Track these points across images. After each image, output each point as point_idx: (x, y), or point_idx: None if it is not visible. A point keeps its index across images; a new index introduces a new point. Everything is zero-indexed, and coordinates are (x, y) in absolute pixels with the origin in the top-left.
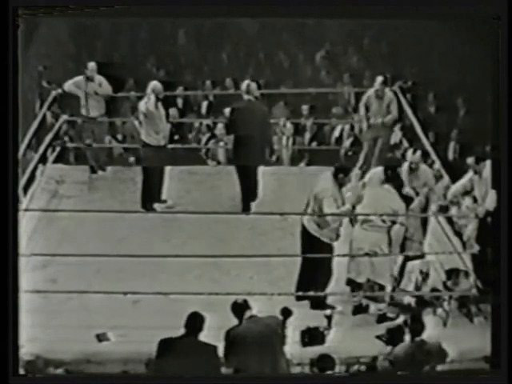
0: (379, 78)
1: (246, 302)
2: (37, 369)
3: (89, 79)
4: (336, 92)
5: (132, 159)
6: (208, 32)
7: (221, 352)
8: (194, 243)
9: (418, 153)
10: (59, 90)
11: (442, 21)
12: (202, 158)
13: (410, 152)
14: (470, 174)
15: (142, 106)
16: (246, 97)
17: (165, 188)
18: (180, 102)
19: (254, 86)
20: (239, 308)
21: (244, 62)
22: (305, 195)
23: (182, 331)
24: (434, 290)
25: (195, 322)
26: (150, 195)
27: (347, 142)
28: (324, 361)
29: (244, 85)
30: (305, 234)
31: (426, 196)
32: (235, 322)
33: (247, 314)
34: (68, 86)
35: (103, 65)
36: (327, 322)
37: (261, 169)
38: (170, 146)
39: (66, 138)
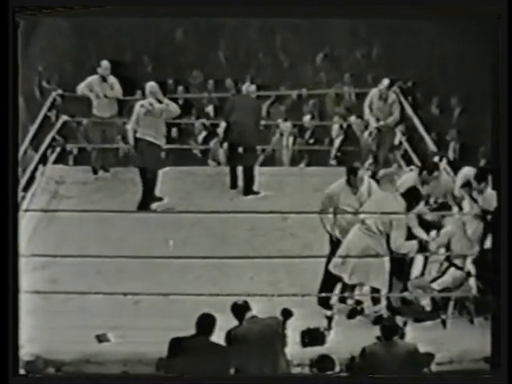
0: (385, 81)
1: (246, 302)
2: (37, 369)
3: (102, 79)
4: (336, 92)
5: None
6: (207, 32)
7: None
8: (194, 244)
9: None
10: (59, 91)
11: (441, 21)
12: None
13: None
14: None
15: (140, 106)
16: (244, 92)
17: (158, 187)
18: (180, 102)
19: (253, 87)
20: (239, 309)
21: (244, 62)
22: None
23: (191, 332)
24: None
25: (206, 322)
26: (148, 195)
27: (337, 141)
28: (324, 361)
29: (245, 86)
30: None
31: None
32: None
33: (248, 314)
34: (81, 89)
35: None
36: (327, 322)
37: (261, 169)
38: (168, 146)
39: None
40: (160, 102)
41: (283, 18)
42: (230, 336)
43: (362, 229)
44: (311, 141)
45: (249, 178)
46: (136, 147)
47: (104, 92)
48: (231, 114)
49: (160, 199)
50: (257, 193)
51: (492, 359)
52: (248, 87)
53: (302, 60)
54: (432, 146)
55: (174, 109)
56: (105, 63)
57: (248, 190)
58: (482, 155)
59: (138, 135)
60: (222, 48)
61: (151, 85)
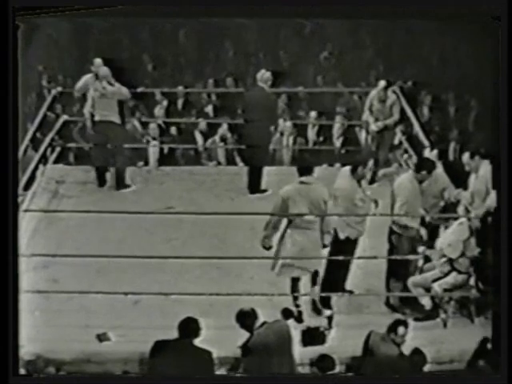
0: (382, 83)
1: (253, 310)
2: (37, 369)
3: (96, 76)
4: (337, 92)
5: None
6: (208, 32)
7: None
8: (194, 244)
9: (435, 151)
10: (58, 88)
11: (441, 21)
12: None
13: (426, 151)
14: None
15: (94, 90)
16: (260, 84)
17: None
18: (180, 102)
19: (267, 75)
20: (246, 317)
21: (244, 61)
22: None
23: (176, 335)
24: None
25: (189, 327)
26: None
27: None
28: (324, 361)
29: (259, 74)
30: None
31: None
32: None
33: (257, 323)
34: (78, 89)
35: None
36: (327, 322)
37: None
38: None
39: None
40: (111, 84)
41: (284, 18)
42: (247, 348)
43: (294, 228)
44: (321, 138)
45: (257, 176)
46: (95, 130)
47: (100, 91)
48: (245, 111)
49: (128, 186)
50: (264, 191)
51: (492, 359)
52: (263, 75)
53: (303, 60)
54: (428, 145)
55: (125, 92)
56: (97, 61)
57: (256, 188)
58: (481, 155)
59: (96, 118)
60: (224, 48)
61: (103, 69)
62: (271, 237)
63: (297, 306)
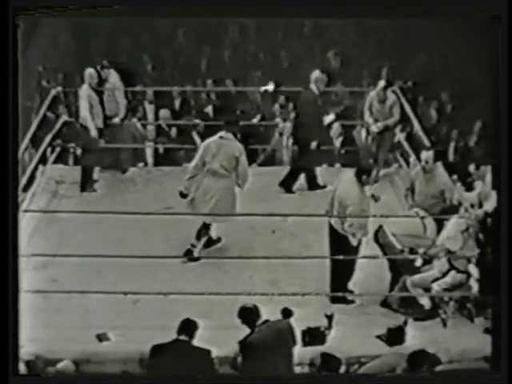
0: (381, 83)
1: (255, 307)
2: (37, 369)
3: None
4: (337, 92)
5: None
6: (207, 32)
7: (239, 361)
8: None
9: (431, 151)
10: (59, 89)
11: (442, 20)
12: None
13: (423, 151)
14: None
15: (82, 91)
16: (312, 87)
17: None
18: (177, 103)
19: (322, 77)
20: (248, 314)
21: (244, 62)
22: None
23: (174, 336)
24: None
25: (188, 327)
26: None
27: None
28: (324, 360)
29: (313, 74)
30: (332, 232)
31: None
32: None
33: (259, 320)
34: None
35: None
36: (328, 321)
37: (261, 169)
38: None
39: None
40: (93, 88)
41: (284, 18)
42: (245, 344)
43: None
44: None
45: (312, 174)
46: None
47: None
48: (299, 110)
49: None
50: (323, 186)
51: (492, 359)
52: (318, 75)
53: (304, 60)
54: (428, 145)
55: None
56: (89, 71)
57: (313, 184)
58: (481, 155)
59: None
60: (223, 47)
61: (89, 71)
62: (190, 187)
63: (193, 246)
